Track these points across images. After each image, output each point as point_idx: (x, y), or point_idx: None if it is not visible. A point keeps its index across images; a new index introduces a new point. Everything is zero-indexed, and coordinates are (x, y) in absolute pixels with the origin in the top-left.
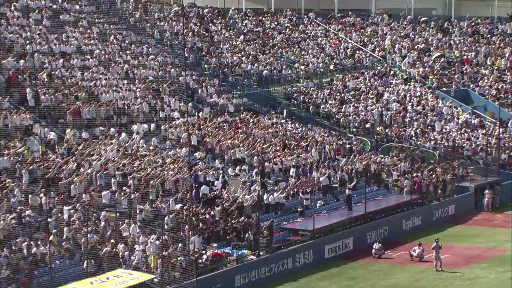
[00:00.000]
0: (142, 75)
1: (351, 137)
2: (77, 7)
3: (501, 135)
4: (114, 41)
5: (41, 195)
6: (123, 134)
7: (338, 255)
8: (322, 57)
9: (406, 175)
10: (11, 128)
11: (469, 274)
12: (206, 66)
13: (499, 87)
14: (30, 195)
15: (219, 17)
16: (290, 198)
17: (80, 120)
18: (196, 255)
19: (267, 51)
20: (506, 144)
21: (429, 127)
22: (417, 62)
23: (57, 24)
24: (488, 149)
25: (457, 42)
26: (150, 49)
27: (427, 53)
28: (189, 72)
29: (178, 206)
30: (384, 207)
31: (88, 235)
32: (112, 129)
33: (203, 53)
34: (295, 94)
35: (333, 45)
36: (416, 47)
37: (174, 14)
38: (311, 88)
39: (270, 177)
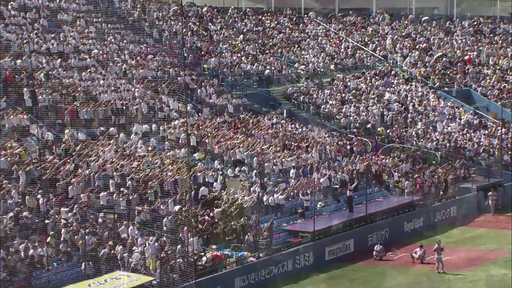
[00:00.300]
0: (141, 75)
1: (351, 137)
2: (75, 5)
3: (503, 135)
4: (112, 40)
5: (39, 196)
6: (122, 135)
7: (339, 257)
8: (322, 56)
9: (407, 176)
10: (8, 128)
11: (471, 276)
12: (205, 66)
13: (502, 87)
14: (27, 197)
15: (219, 17)
16: (290, 199)
17: (78, 120)
18: (195, 257)
19: (267, 51)
20: (509, 145)
21: (430, 128)
22: (419, 62)
23: (55, 24)
24: (491, 150)
25: (459, 41)
26: (148, 49)
27: (429, 53)
28: (188, 72)
29: (177, 208)
30: (385, 208)
31: (86, 237)
32: (111, 129)
33: (202, 52)
34: (295, 94)
35: (334, 45)
36: (417, 46)
37: (173, 14)
38: (312, 88)
39: (270, 178)
